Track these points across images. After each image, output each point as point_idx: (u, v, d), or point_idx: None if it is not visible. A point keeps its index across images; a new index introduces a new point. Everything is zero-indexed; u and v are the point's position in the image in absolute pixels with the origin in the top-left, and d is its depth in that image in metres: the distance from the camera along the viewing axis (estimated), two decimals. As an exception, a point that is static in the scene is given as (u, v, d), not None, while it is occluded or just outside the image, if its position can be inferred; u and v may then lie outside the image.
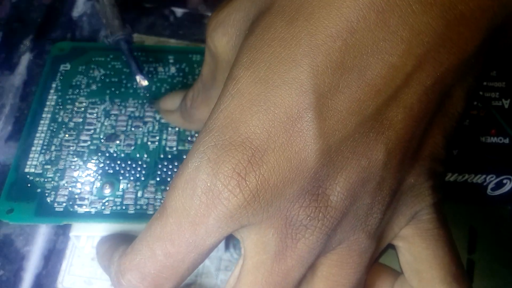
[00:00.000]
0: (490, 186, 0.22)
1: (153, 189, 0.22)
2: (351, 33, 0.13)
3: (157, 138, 0.24)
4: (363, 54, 0.13)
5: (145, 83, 0.24)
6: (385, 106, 0.14)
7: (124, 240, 0.19)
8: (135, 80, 0.24)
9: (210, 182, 0.14)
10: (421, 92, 0.14)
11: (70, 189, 0.22)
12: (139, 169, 0.23)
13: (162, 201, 0.22)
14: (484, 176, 0.22)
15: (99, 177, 0.22)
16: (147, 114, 0.25)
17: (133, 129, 0.24)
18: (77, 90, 0.25)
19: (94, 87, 0.26)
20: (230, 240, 0.24)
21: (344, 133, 0.14)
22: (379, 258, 0.17)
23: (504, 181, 0.22)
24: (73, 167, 0.23)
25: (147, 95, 0.26)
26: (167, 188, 0.22)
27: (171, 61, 0.27)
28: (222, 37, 0.17)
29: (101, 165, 0.23)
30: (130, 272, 0.15)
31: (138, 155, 0.23)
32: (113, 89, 0.26)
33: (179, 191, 0.14)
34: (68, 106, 0.25)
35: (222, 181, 0.14)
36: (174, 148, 0.24)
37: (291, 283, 0.15)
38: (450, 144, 0.16)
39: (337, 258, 0.16)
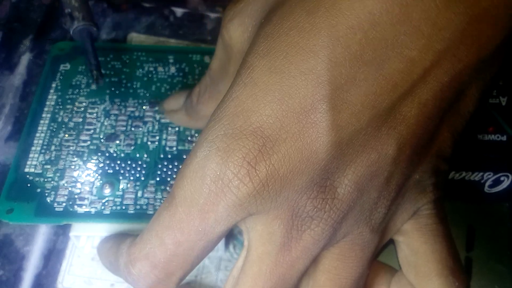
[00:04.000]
0: (487, 183, 0.22)
1: (153, 189, 0.22)
2: (373, 25, 0.13)
3: (157, 138, 0.24)
4: (383, 48, 0.13)
5: (100, 82, 0.23)
6: (400, 101, 0.14)
7: (127, 237, 0.19)
8: (92, 75, 0.22)
9: (220, 171, 0.14)
10: (437, 89, 0.14)
11: (70, 189, 0.22)
12: (139, 169, 0.23)
13: (162, 201, 0.22)
14: (481, 173, 0.22)
15: (99, 177, 0.22)
16: (147, 114, 0.25)
17: (133, 129, 0.24)
18: (77, 90, 0.25)
19: (94, 87, 0.26)
20: (230, 240, 0.24)
21: (357, 127, 0.13)
22: (380, 253, 0.17)
23: (502, 179, 0.22)
24: (73, 167, 0.23)
25: (147, 94, 0.26)
26: (167, 188, 0.22)
27: (171, 61, 0.27)
28: (238, 27, 0.17)
29: (101, 165, 0.23)
30: (141, 261, 0.15)
31: (138, 155, 0.23)
32: (113, 89, 0.26)
33: (188, 180, 0.14)
34: (68, 106, 0.25)
35: (231, 169, 0.14)
36: (174, 148, 0.24)
37: (295, 275, 0.15)
38: (457, 143, 0.16)
39: (340, 252, 0.16)
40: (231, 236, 0.23)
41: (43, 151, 0.23)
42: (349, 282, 0.16)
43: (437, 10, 0.13)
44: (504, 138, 0.22)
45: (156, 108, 0.25)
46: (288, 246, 0.15)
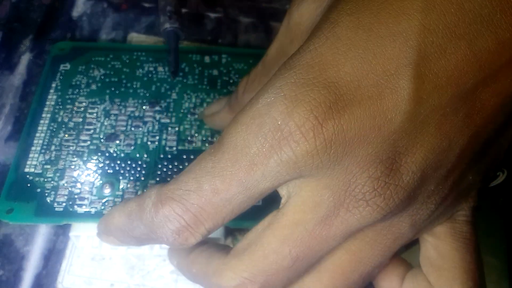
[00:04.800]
0: None
1: (153, 189, 0.22)
2: None
3: (157, 138, 0.24)
4: (477, 23, 0.12)
5: (174, 77, 0.24)
6: (482, 85, 0.13)
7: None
8: (169, 70, 0.24)
9: (282, 120, 0.13)
10: None
11: (70, 189, 0.22)
12: (139, 169, 0.23)
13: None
14: None
15: (99, 177, 0.22)
16: (147, 114, 0.25)
17: (133, 129, 0.24)
18: (77, 90, 0.25)
19: (94, 87, 0.26)
20: (230, 241, 0.23)
21: (436, 103, 0.12)
22: (406, 250, 0.17)
23: (497, 174, 0.21)
24: (73, 167, 0.23)
25: (147, 95, 0.26)
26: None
27: (171, 61, 0.27)
28: (311, 3, 0.15)
29: (101, 165, 0.23)
30: (172, 202, 0.14)
31: (138, 155, 0.23)
32: (113, 89, 0.26)
33: (243, 126, 0.13)
34: (68, 106, 0.25)
35: (296, 121, 0.12)
36: (174, 148, 0.24)
37: (324, 250, 0.14)
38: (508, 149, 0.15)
39: (372, 236, 0.15)
40: (231, 236, 0.23)
41: (43, 151, 0.23)
42: (368, 269, 0.15)
43: None
44: None
45: (157, 108, 0.25)
46: (329, 221, 0.14)
